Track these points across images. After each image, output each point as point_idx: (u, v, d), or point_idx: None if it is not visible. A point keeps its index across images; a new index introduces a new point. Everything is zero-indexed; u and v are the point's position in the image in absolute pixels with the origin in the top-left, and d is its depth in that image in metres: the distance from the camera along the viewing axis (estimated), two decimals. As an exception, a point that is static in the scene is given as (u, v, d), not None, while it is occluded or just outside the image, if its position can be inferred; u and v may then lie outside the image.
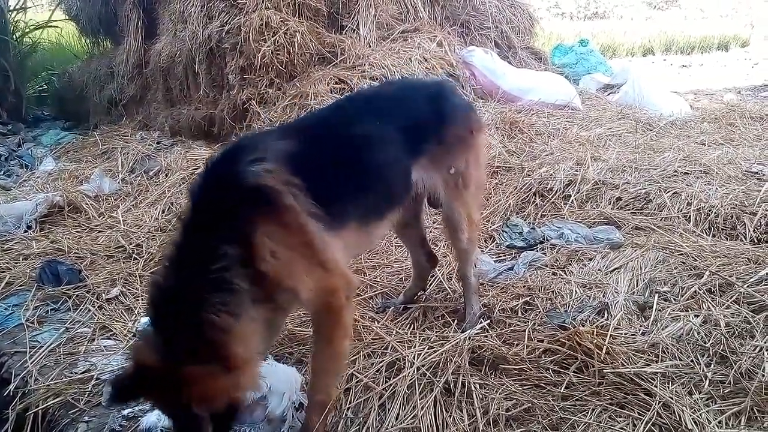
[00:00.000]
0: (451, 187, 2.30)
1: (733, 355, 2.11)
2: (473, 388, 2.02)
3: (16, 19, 8.62)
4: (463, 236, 2.39)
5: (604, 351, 2.11)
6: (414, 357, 2.16)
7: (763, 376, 1.98)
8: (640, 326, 2.35)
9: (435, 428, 1.89)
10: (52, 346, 2.55)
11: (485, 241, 3.38)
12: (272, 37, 5.04)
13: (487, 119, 4.82)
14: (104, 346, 2.53)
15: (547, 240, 3.24)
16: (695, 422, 1.83)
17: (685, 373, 2.06)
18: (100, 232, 3.81)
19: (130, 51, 6.67)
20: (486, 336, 2.31)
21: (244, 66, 5.17)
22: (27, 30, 8.76)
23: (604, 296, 2.57)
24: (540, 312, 2.51)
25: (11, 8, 8.54)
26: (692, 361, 2.12)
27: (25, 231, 3.80)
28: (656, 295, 2.54)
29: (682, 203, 3.41)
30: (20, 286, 3.10)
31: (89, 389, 2.24)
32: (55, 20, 8.87)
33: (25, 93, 8.55)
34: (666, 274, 2.72)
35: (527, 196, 3.73)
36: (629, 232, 3.26)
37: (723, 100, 7.54)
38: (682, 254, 2.88)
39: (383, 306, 2.71)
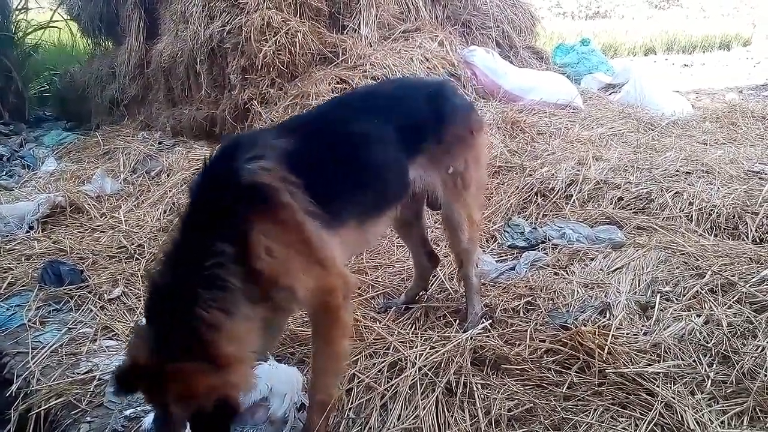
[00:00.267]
0: (450, 187, 2.30)
1: (736, 355, 2.10)
2: (475, 389, 2.02)
3: (18, 20, 8.63)
4: (464, 236, 2.39)
5: (606, 351, 2.11)
6: (416, 357, 2.16)
7: (766, 376, 1.98)
8: (642, 326, 2.35)
9: (437, 428, 1.89)
10: (54, 346, 2.55)
11: (487, 240, 3.38)
12: (274, 37, 5.04)
13: (488, 119, 4.82)
14: (106, 347, 2.53)
15: (549, 240, 3.24)
16: (697, 422, 1.83)
17: (688, 373, 2.06)
18: (102, 232, 3.82)
19: (131, 51, 6.68)
20: (488, 336, 2.31)
21: (245, 66, 5.18)
22: (29, 30, 8.77)
23: (605, 296, 2.57)
24: (542, 312, 2.51)
25: (13, 8, 8.54)
26: (694, 361, 2.11)
27: (27, 231, 3.81)
28: (658, 295, 2.54)
29: (684, 203, 3.41)
30: (22, 286, 3.11)
31: (91, 390, 2.24)
32: (57, 20, 8.88)
33: (27, 93, 8.57)
34: (668, 274, 2.71)
35: (529, 196, 3.73)
36: (631, 232, 3.26)
37: (725, 100, 7.53)
38: (684, 254, 2.88)
39: (385, 306, 2.71)
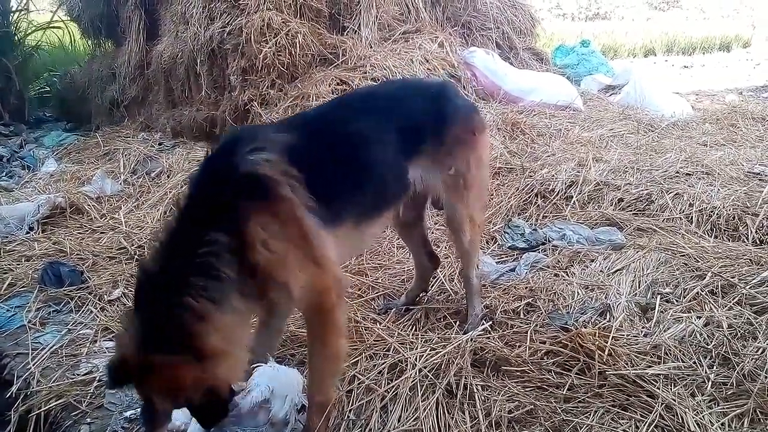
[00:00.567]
0: (452, 188, 2.29)
1: (736, 356, 2.10)
2: (475, 390, 2.02)
3: (18, 20, 8.63)
4: (465, 238, 2.38)
5: (606, 353, 2.10)
6: (416, 359, 2.15)
7: (766, 377, 1.98)
8: (643, 328, 2.35)
9: (437, 430, 1.88)
10: (54, 347, 2.55)
11: (487, 242, 3.38)
12: (274, 38, 5.05)
13: (488, 120, 4.82)
14: (106, 348, 2.52)
15: (549, 241, 3.24)
16: (698, 424, 1.83)
17: (688, 375, 2.05)
18: (102, 233, 3.81)
19: (131, 52, 6.68)
20: (488, 337, 2.31)
21: (245, 67, 5.19)
22: (29, 31, 8.77)
23: (606, 298, 2.57)
24: (542, 313, 2.51)
25: (13, 9, 8.55)
26: (695, 362, 2.11)
27: (27, 232, 3.80)
28: (658, 297, 2.54)
29: (684, 204, 3.41)
30: (22, 287, 3.10)
31: (91, 391, 2.23)
32: (57, 21, 8.88)
33: (28, 94, 8.56)
34: (668, 276, 2.71)
35: (529, 197, 3.73)
36: (631, 234, 3.26)
37: (725, 101, 7.53)
38: (684, 255, 2.88)
39: (385, 307, 2.70)
